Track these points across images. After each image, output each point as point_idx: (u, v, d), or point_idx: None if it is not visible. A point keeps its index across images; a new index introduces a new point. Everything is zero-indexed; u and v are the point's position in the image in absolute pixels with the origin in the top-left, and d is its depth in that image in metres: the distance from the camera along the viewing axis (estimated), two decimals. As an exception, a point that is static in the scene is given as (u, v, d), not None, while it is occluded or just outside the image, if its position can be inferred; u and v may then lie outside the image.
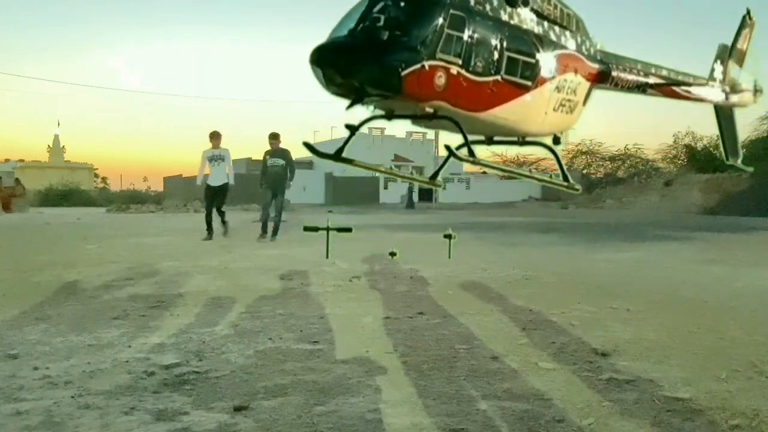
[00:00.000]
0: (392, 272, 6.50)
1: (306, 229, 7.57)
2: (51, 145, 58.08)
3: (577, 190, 3.93)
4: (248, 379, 2.86)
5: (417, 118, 3.50)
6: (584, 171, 48.06)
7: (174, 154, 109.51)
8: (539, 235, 12.69)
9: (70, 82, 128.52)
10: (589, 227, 15.25)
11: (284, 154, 10.40)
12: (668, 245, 10.31)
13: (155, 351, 3.34)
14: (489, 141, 3.80)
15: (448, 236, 7.35)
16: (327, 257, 7.09)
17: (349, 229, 7.51)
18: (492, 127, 3.61)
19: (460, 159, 3.54)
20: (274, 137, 10.45)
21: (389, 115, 3.44)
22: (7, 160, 54.81)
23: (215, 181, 10.26)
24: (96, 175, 62.55)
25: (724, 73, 5.13)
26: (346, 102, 3.29)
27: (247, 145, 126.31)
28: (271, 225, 10.25)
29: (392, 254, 7.37)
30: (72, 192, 39.10)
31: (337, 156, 3.59)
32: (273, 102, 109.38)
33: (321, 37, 3.13)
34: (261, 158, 10.70)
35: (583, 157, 49.95)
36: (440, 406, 2.52)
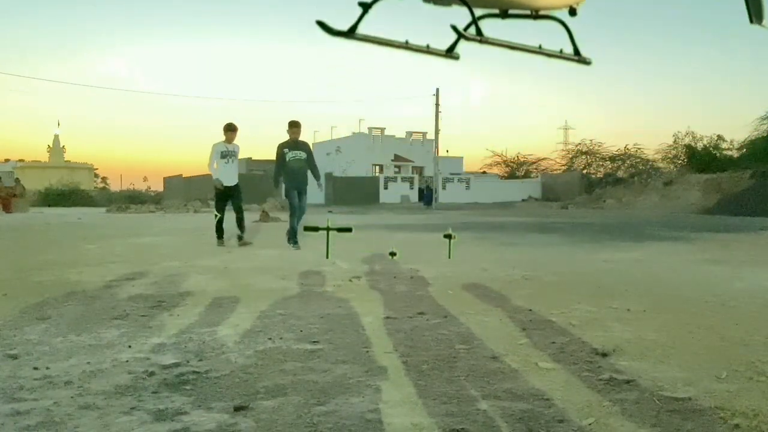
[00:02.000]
0: (392, 272, 6.49)
1: (306, 229, 7.60)
2: (51, 145, 58.20)
3: (589, 62, 3.92)
4: (248, 379, 2.86)
5: None
6: (584, 171, 48.13)
7: (174, 154, 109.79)
8: (539, 235, 12.70)
9: (70, 82, 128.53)
10: (589, 227, 15.26)
11: (306, 146, 9.15)
12: (668, 245, 10.31)
13: (155, 351, 3.34)
14: (503, 15, 3.79)
15: (448, 236, 7.38)
16: (327, 257, 7.11)
17: (349, 229, 7.53)
18: (503, 2, 3.59)
19: (468, 39, 3.53)
20: (295, 125, 8.95)
21: None
22: (7, 160, 54.94)
23: (229, 180, 9.17)
24: (96, 175, 62.68)
25: None
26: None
27: (246, 144, 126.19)
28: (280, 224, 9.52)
29: (392, 254, 7.38)
30: (72, 192, 39.25)
31: (350, 33, 3.57)
32: (273, 102, 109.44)
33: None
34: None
35: (583, 157, 50.06)
36: (440, 406, 2.52)
